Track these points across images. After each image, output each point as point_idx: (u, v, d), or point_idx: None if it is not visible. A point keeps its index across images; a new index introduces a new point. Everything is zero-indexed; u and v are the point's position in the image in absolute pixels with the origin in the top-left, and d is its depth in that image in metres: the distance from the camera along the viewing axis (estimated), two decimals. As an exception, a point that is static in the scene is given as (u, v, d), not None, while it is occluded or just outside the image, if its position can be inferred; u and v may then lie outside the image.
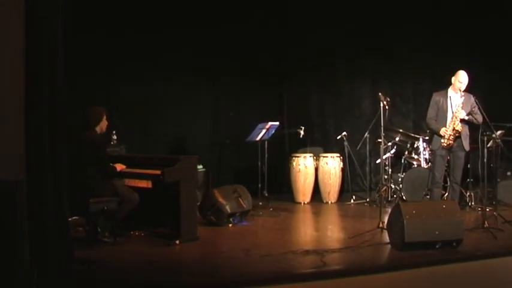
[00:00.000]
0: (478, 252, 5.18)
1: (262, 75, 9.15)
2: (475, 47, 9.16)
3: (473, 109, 6.54)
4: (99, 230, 5.57)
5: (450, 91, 6.71)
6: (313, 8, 9.03)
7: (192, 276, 4.64)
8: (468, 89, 6.65)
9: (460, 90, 6.54)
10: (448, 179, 7.10)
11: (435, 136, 6.75)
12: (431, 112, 6.78)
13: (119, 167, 5.72)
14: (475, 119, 6.51)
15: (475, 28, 9.13)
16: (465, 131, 6.64)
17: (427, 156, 8.05)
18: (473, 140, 6.76)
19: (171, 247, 5.50)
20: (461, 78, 6.54)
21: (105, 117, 5.67)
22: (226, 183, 8.02)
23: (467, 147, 6.66)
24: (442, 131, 6.57)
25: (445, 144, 6.59)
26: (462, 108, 6.51)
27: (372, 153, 8.88)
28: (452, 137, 6.56)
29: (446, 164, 6.89)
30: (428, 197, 7.23)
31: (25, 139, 4.29)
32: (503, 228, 6.05)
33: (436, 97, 6.78)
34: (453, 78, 6.66)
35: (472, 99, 6.54)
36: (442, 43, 9.29)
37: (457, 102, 6.57)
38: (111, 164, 5.66)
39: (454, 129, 6.53)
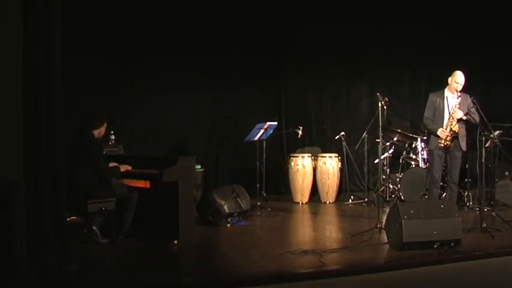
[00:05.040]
0: (476, 252, 5.19)
1: (260, 76, 9.13)
2: (473, 47, 9.16)
3: (470, 109, 6.56)
4: (97, 230, 5.57)
5: (447, 91, 6.73)
6: (312, 9, 9.03)
7: (190, 277, 4.64)
8: (466, 89, 6.67)
9: (457, 91, 6.55)
10: (446, 179, 7.11)
11: (432, 136, 6.78)
12: (428, 112, 6.81)
13: (124, 168, 5.71)
14: (473, 118, 6.52)
15: (474, 28, 9.14)
16: (462, 132, 6.66)
17: (425, 156, 8.06)
18: (471, 140, 6.77)
19: (170, 247, 5.50)
20: (457, 79, 6.56)
21: (105, 125, 5.68)
22: (225, 183, 8.03)
23: (464, 147, 6.69)
24: (440, 132, 6.59)
25: (442, 145, 6.62)
26: (459, 109, 6.53)
27: (370, 153, 8.87)
28: (449, 137, 6.58)
29: (444, 164, 6.91)
30: (426, 197, 7.23)
31: (23, 139, 4.29)
32: (501, 228, 6.06)
33: (432, 97, 6.81)
34: (450, 79, 6.68)
35: (469, 99, 6.56)
36: (440, 43, 9.29)
37: (453, 102, 6.59)
38: (116, 165, 5.66)
39: (451, 129, 6.55)
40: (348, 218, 7.35)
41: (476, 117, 6.49)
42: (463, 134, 6.66)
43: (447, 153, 6.73)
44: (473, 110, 6.53)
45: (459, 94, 6.55)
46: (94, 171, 5.41)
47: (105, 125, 5.69)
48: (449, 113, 6.61)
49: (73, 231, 5.66)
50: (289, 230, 6.86)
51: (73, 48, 6.16)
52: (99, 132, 5.64)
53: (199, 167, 7.83)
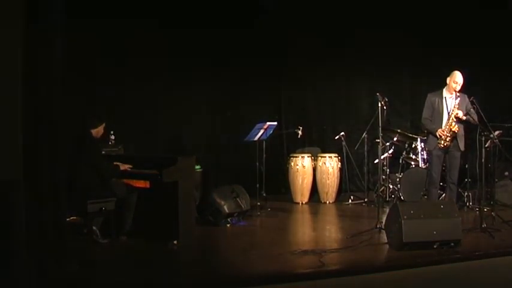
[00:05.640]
0: (475, 252, 5.20)
1: (260, 75, 9.13)
2: (473, 46, 9.15)
3: (470, 109, 6.57)
4: (97, 230, 5.57)
5: (445, 92, 6.74)
6: (312, 9, 9.02)
7: (190, 277, 4.64)
8: (466, 90, 6.66)
9: (455, 91, 6.56)
10: (445, 179, 7.11)
11: (430, 136, 6.79)
12: (426, 112, 6.82)
13: (123, 166, 5.72)
14: (472, 118, 6.53)
15: (473, 27, 9.13)
16: (461, 132, 6.66)
17: (425, 156, 8.05)
18: (471, 140, 6.77)
19: (169, 247, 5.50)
20: (456, 79, 6.57)
21: (104, 125, 5.71)
22: (224, 183, 8.01)
23: (462, 147, 6.69)
24: (439, 132, 6.59)
25: (442, 146, 6.62)
26: (458, 109, 6.54)
27: (370, 153, 8.86)
28: (449, 138, 6.59)
29: (444, 164, 6.91)
30: (426, 197, 7.24)
31: (22, 138, 4.28)
32: (501, 228, 6.07)
33: (431, 98, 6.81)
34: (448, 79, 6.68)
35: (467, 99, 6.56)
36: (440, 43, 9.29)
37: (452, 103, 6.60)
38: (114, 164, 5.66)
39: (450, 130, 6.56)
40: (347, 218, 7.35)
41: (476, 118, 6.49)
42: (461, 134, 6.67)
43: (446, 153, 6.73)
44: (472, 110, 6.54)
45: (458, 94, 6.56)
46: (94, 171, 5.41)
47: (104, 124, 5.71)
48: (449, 113, 6.61)
49: (73, 231, 5.66)
50: (289, 230, 6.87)
51: (73, 47, 6.16)
52: (97, 131, 5.65)
53: (198, 167, 7.82)
